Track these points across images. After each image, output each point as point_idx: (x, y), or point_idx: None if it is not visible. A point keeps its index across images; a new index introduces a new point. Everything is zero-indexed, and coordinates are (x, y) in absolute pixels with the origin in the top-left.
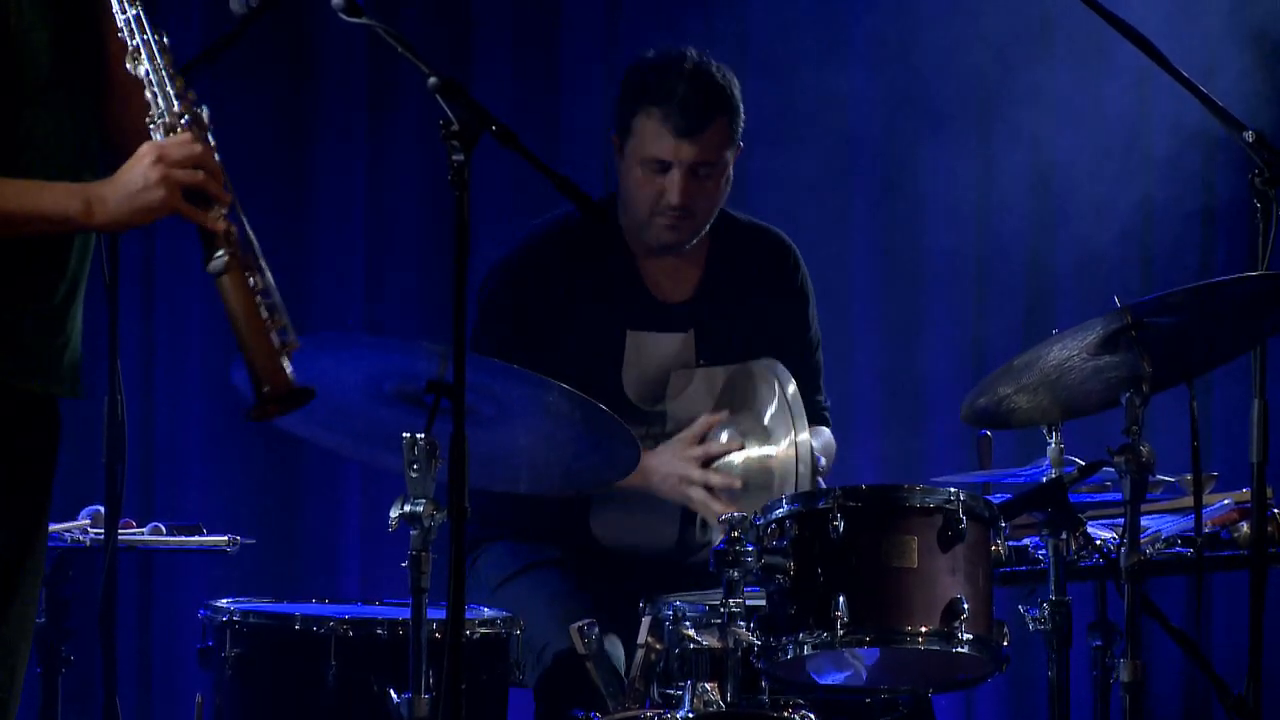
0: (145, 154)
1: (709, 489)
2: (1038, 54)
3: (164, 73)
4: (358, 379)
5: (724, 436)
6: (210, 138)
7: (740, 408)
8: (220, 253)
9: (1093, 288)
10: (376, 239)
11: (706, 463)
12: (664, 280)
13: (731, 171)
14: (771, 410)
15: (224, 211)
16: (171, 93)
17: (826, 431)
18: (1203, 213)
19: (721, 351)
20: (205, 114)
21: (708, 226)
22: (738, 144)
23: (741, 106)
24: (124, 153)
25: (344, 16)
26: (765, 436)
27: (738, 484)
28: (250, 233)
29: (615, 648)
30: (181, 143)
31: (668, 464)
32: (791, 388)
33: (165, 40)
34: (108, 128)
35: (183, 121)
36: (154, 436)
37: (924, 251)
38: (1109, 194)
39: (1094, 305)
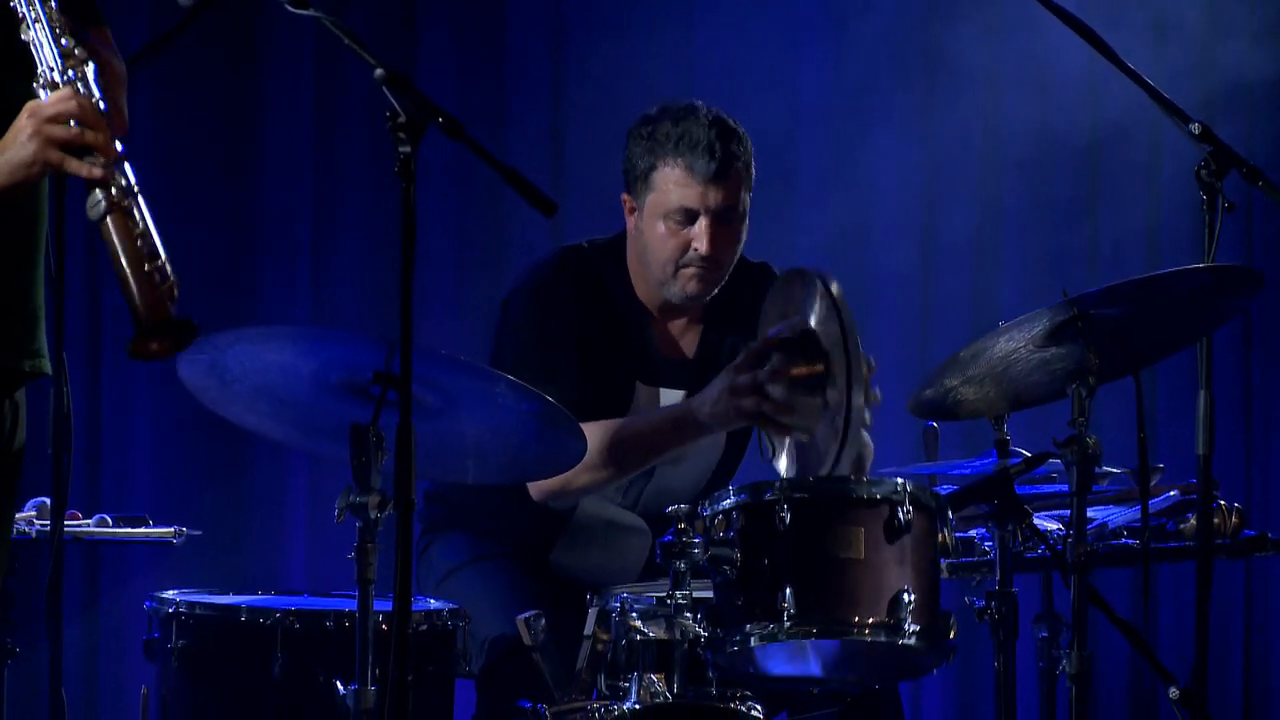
0: (21, 114)
1: (764, 401)
2: (983, 44)
3: (48, 33)
4: (305, 370)
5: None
6: (96, 89)
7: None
8: (99, 198)
9: (1039, 279)
10: (323, 231)
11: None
12: (670, 336)
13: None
14: (816, 315)
15: (102, 160)
16: (56, 52)
17: None
18: (1149, 204)
19: None
20: (91, 70)
21: (726, 277)
22: (751, 186)
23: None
24: None
25: (290, 9)
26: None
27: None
28: (135, 185)
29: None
30: (57, 99)
31: (711, 387)
32: (835, 286)
33: (53, 2)
34: None
35: (64, 78)
36: (101, 428)
37: (871, 242)
38: (1056, 185)
39: (1040, 297)
